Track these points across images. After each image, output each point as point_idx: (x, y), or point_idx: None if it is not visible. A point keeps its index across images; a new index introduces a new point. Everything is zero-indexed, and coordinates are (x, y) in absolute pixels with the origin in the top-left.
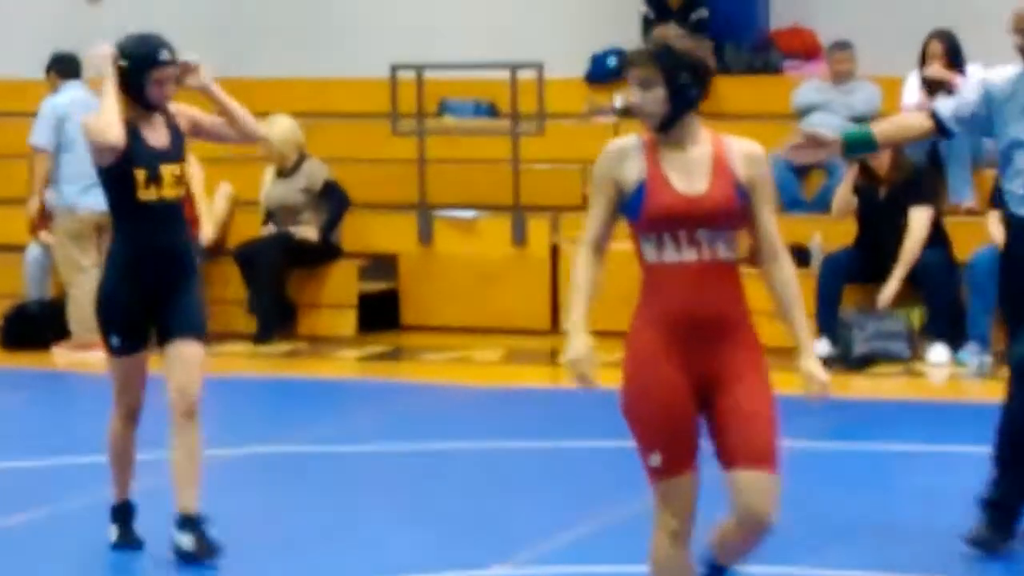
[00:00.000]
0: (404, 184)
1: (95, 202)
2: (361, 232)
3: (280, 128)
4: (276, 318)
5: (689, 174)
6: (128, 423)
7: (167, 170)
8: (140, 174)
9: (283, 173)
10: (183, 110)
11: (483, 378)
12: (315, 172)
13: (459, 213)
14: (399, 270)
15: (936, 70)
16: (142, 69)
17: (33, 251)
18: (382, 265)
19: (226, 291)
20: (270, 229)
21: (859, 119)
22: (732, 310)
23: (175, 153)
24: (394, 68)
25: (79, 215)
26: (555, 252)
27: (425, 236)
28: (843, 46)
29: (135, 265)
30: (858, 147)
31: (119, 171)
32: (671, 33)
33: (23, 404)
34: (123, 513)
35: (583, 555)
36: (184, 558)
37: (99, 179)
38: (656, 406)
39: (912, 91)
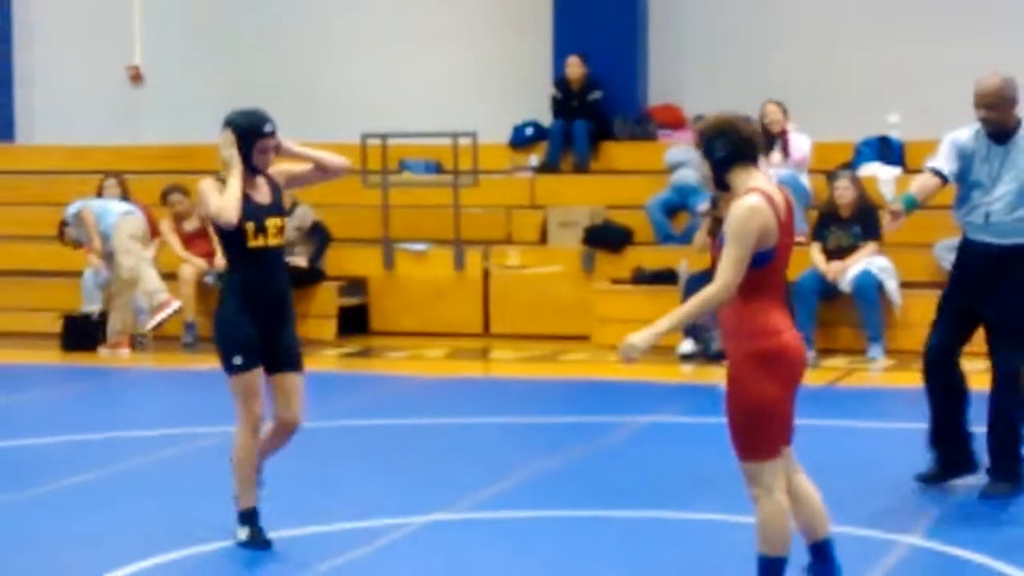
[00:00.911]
0: (372, 224)
1: None
2: (340, 260)
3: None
4: None
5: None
6: (254, 435)
7: (271, 222)
8: (249, 227)
9: None
10: (279, 168)
11: (432, 370)
12: (305, 215)
13: (414, 246)
14: (368, 289)
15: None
16: (250, 140)
17: (87, 273)
18: (355, 285)
19: None
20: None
21: None
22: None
23: (276, 208)
24: (364, 136)
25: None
26: (486, 275)
27: (388, 263)
28: (702, 118)
29: (248, 301)
30: (912, 206)
31: (233, 226)
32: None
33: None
34: (251, 517)
35: (508, 503)
36: (243, 545)
37: (216, 233)
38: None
39: None
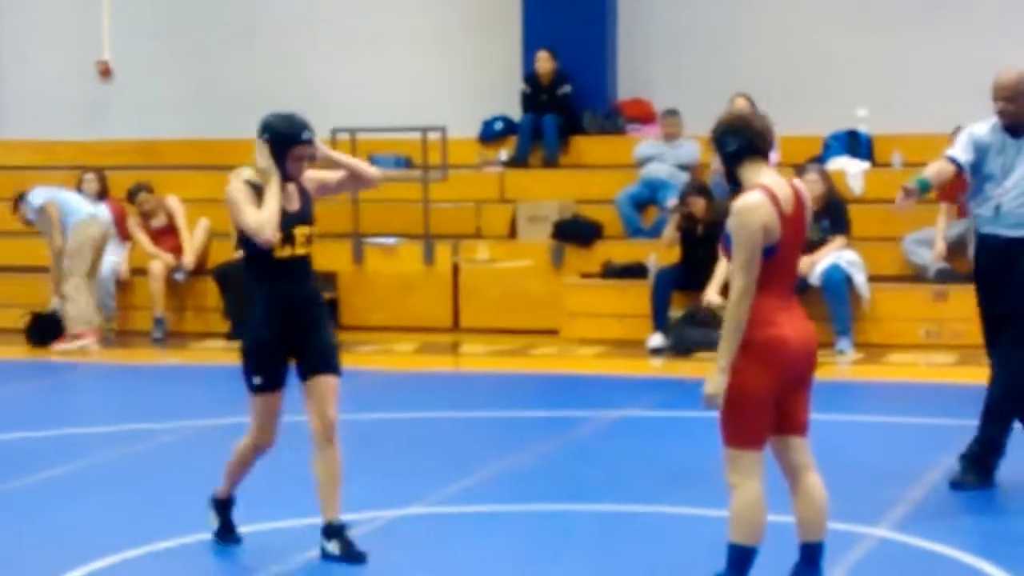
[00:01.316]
0: (342, 218)
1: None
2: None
3: (246, 179)
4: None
5: None
6: (256, 452)
7: (299, 231)
8: (277, 237)
9: None
10: (309, 175)
11: (401, 365)
12: None
13: (383, 240)
14: (338, 284)
15: None
16: (285, 146)
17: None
18: (325, 280)
19: (206, 301)
20: (240, 253)
21: (683, 167)
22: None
23: (305, 216)
24: (334, 131)
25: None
26: (455, 269)
27: (357, 257)
28: (671, 113)
29: (275, 312)
30: (925, 189)
31: (272, 245)
32: (729, 113)
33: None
34: (225, 506)
35: (477, 497)
36: (333, 559)
37: (239, 238)
38: None
39: None
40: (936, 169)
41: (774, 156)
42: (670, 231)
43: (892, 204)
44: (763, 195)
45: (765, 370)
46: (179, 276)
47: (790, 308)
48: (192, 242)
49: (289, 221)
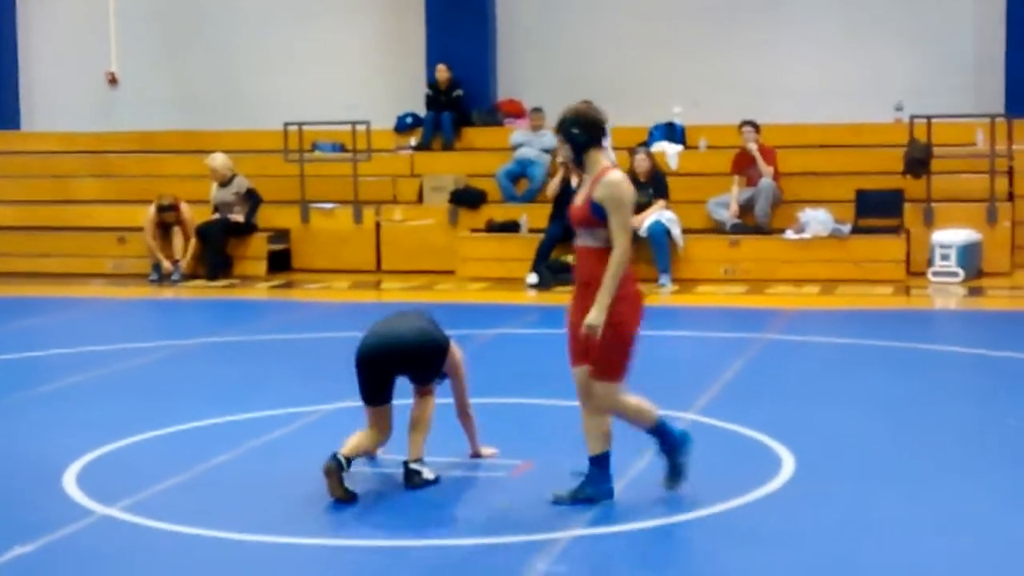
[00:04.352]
0: (292, 189)
1: None
2: (268, 216)
3: (219, 160)
4: (220, 266)
5: (579, 193)
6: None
7: None
8: None
9: (223, 184)
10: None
11: (339, 297)
12: (241, 183)
13: (323, 205)
14: (291, 237)
15: None
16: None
17: None
18: (280, 235)
19: (194, 250)
20: (216, 216)
21: (546, 151)
22: (592, 277)
23: None
24: (286, 124)
25: None
26: (378, 227)
27: (305, 218)
28: (537, 110)
29: None
30: None
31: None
32: (570, 106)
33: None
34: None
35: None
36: (421, 486)
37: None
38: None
39: None
40: None
41: (606, 141)
42: (555, 184)
43: (699, 176)
44: (623, 174)
45: (636, 319)
46: (175, 277)
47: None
48: (190, 248)
49: None
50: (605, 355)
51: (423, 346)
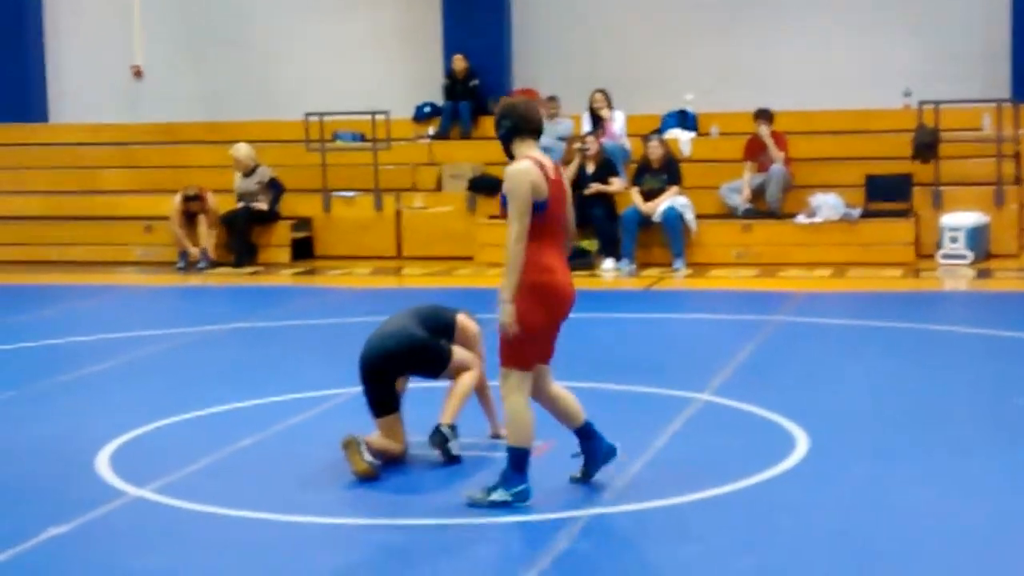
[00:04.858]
0: (315, 178)
1: None
2: (291, 205)
3: (243, 150)
4: (246, 254)
5: None
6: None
7: None
8: None
9: (246, 174)
10: None
11: (360, 283)
12: (264, 172)
13: (345, 194)
14: (313, 225)
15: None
16: None
17: None
18: (303, 223)
19: (218, 239)
20: (240, 205)
21: (561, 138)
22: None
23: None
24: (307, 115)
25: None
26: (398, 214)
27: (327, 206)
28: (552, 98)
29: None
30: None
31: None
32: (506, 98)
33: None
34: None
35: None
36: (443, 450)
37: None
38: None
39: (586, 123)
40: None
41: (615, 128)
42: (570, 171)
43: (712, 162)
44: (531, 163)
45: (543, 308)
46: (202, 264)
47: (562, 258)
48: (215, 236)
49: None
50: (503, 341)
51: (403, 348)
